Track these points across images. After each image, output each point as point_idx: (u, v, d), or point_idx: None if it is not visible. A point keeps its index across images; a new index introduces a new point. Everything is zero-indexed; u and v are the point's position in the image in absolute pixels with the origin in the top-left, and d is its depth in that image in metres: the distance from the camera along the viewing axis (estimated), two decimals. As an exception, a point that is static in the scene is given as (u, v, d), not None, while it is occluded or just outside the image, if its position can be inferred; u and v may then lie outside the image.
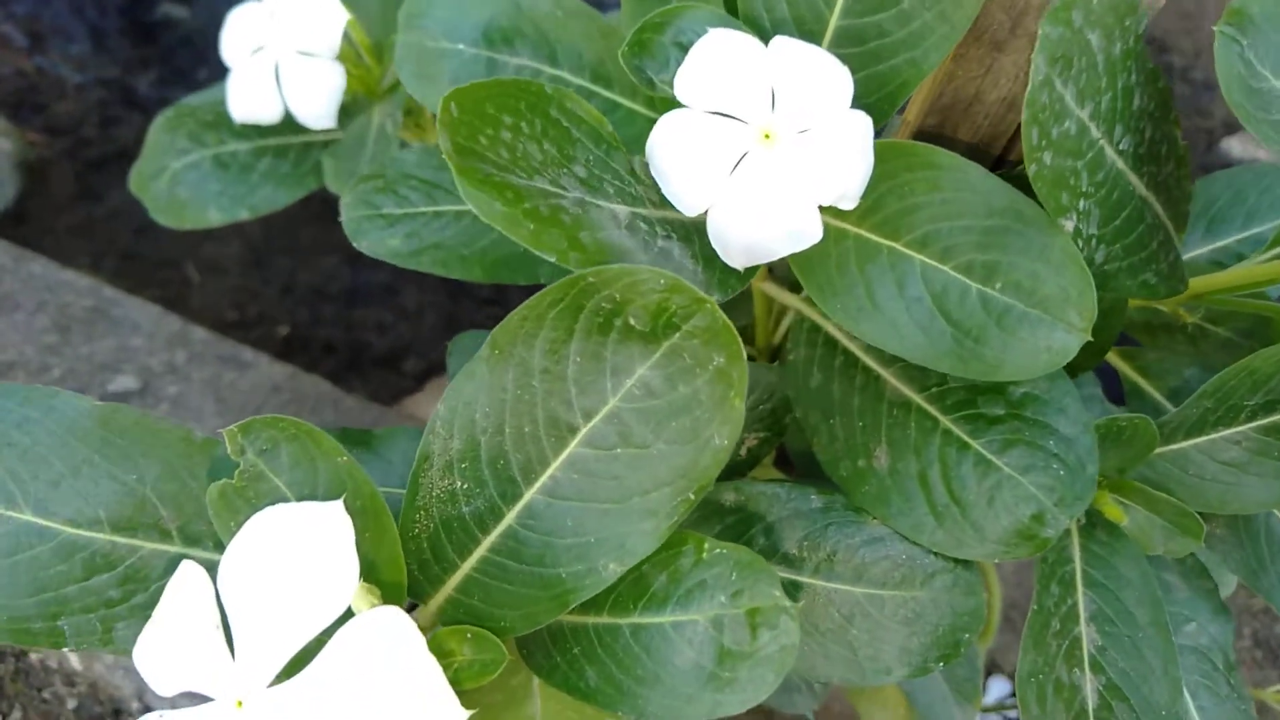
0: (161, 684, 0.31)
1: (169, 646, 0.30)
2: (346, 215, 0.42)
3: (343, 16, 0.50)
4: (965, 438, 0.39)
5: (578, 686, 0.34)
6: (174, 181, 0.50)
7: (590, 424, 0.30)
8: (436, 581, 0.33)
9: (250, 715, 0.28)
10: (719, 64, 0.34)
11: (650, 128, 0.45)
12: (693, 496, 0.30)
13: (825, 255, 0.36)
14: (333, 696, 0.28)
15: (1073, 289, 0.33)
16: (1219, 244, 0.52)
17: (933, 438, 0.39)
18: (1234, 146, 1.29)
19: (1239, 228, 0.52)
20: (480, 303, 1.23)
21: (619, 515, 0.30)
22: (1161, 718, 0.39)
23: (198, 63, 1.42)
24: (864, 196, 0.36)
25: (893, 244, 0.36)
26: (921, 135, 0.40)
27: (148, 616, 0.35)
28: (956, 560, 0.39)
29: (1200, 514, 0.41)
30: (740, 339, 0.28)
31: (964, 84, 0.37)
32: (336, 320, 1.22)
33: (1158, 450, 0.42)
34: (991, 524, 0.38)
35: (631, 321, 0.29)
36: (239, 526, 0.31)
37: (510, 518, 0.32)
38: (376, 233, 0.42)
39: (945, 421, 0.39)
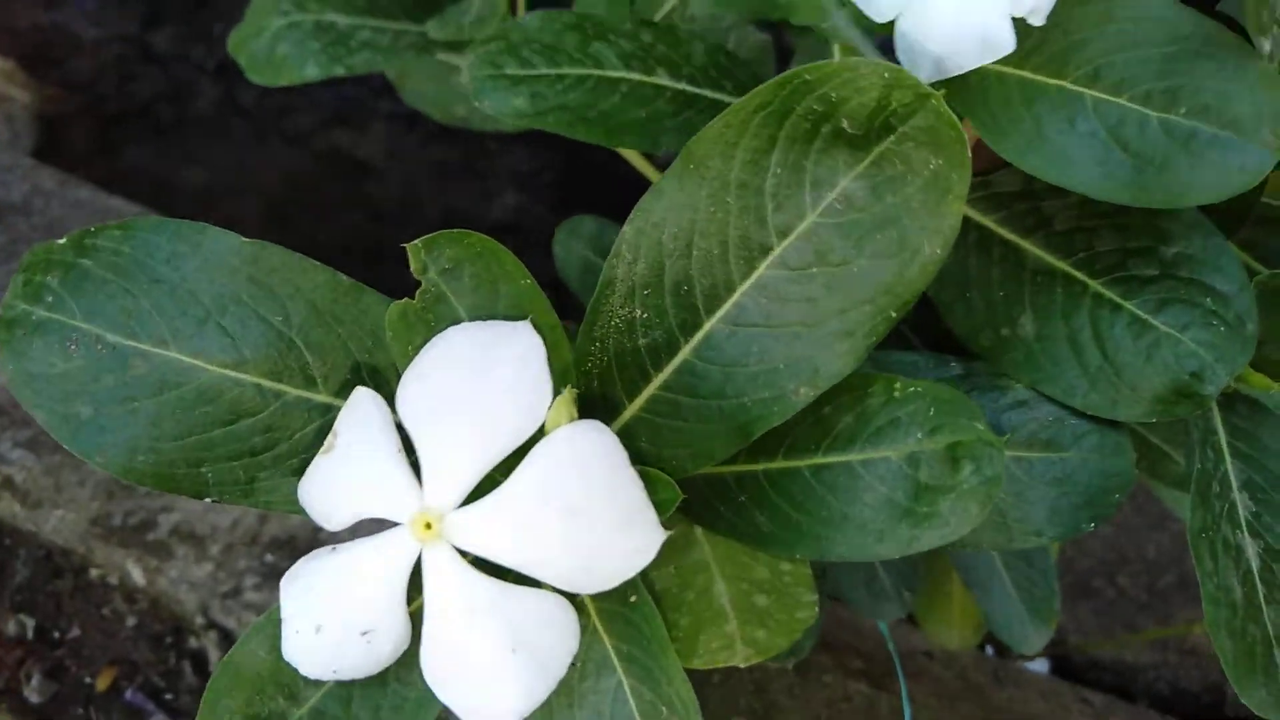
0: (332, 516, 0.29)
1: (343, 474, 0.29)
2: (471, 75, 0.40)
3: None
4: (1117, 299, 0.38)
5: (747, 532, 0.32)
6: (275, 39, 0.51)
7: (784, 243, 0.29)
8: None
9: (440, 536, 0.27)
10: None
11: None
12: (894, 315, 0.28)
13: (985, 96, 0.35)
14: (529, 512, 0.27)
15: (1268, 107, 0.32)
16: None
17: (1082, 301, 0.38)
18: None
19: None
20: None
21: (811, 339, 0.29)
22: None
23: (214, 18, 1.39)
24: (1025, 37, 0.34)
25: (1060, 83, 0.35)
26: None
27: (290, 468, 0.33)
28: (1104, 421, 0.38)
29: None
30: (966, 138, 0.27)
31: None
32: (361, 281, 1.20)
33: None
34: (1148, 382, 0.37)
35: (844, 125, 0.27)
36: (416, 350, 0.29)
37: (686, 351, 0.30)
38: (500, 93, 0.40)
39: (1095, 285, 0.38)
